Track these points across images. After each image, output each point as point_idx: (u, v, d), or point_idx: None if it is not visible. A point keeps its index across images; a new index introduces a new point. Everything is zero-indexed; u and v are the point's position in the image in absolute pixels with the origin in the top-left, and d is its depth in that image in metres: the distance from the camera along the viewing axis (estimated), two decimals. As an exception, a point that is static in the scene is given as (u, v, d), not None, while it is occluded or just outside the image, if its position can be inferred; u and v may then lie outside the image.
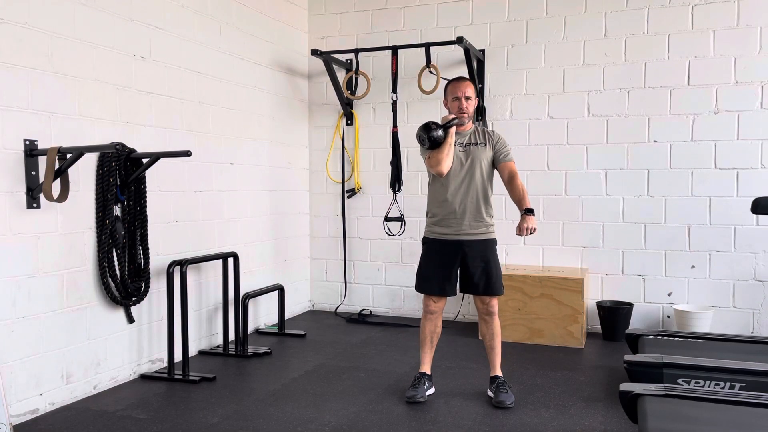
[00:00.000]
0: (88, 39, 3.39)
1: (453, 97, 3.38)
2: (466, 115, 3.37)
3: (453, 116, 3.33)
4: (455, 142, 3.35)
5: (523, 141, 4.94)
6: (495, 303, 3.40)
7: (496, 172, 3.47)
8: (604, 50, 4.73)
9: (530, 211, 3.24)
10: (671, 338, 3.64)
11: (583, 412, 3.19)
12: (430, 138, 3.26)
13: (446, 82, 3.54)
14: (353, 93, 5.33)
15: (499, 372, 3.42)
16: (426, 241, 3.47)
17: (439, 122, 3.32)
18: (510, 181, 3.37)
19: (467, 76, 3.43)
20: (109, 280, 3.46)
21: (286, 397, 3.40)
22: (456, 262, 3.38)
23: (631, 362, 3.11)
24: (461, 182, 3.36)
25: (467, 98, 3.36)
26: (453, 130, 3.32)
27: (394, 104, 4.83)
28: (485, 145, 3.41)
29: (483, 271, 3.34)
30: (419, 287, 3.45)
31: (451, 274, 3.39)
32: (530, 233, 3.22)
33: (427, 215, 3.51)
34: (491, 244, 3.40)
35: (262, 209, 4.98)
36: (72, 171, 3.23)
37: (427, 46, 4.69)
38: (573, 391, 3.51)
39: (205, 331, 4.34)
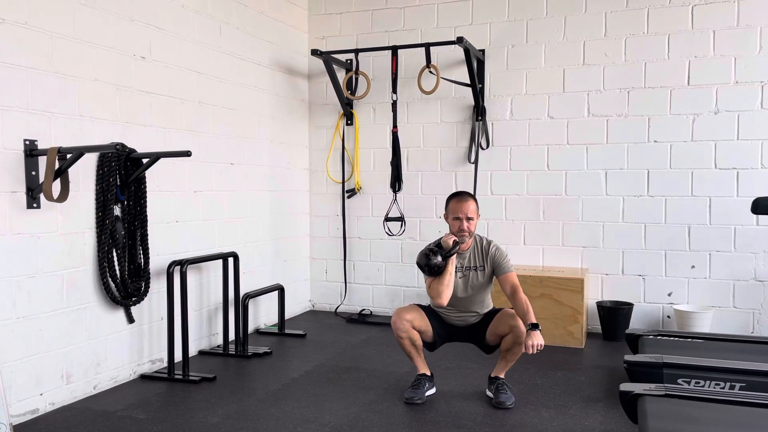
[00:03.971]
0: (88, 39, 3.39)
1: (454, 217, 3.32)
2: (466, 235, 3.32)
3: (454, 240, 3.26)
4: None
5: (523, 141, 4.94)
6: (523, 329, 3.20)
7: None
8: (604, 50, 4.73)
9: (535, 326, 3.13)
10: (671, 338, 3.64)
11: (583, 412, 3.19)
12: (431, 267, 3.21)
13: (449, 197, 3.44)
14: (353, 93, 5.32)
15: (502, 375, 3.41)
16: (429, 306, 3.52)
17: (440, 245, 3.26)
18: (513, 295, 3.29)
19: (470, 192, 3.30)
20: (109, 280, 3.46)
21: (286, 397, 3.40)
22: (451, 334, 3.47)
23: (631, 362, 3.11)
24: (460, 303, 3.40)
25: (469, 219, 3.30)
26: (454, 257, 3.26)
27: (394, 104, 4.83)
28: (484, 269, 3.38)
29: (483, 319, 3.43)
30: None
31: (442, 328, 3.45)
32: (537, 350, 3.10)
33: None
34: (488, 312, 3.47)
35: (262, 209, 4.98)
36: (72, 171, 3.23)
37: (427, 46, 4.68)
38: (573, 391, 3.51)
39: (205, 331, 4.34)
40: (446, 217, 3.41)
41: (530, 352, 3.08)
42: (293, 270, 5.42)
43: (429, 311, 3.47)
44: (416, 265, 3.32)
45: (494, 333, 3.35)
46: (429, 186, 5.22)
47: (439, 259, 3.20)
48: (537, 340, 3.08)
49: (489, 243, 3.42)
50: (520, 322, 3.21)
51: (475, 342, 3.49)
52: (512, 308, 3.31)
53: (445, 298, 3.24)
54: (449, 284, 3.24)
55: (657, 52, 4.60)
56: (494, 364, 3.47)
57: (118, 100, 3.58)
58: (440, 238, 3.36)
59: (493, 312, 3.43)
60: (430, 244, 3.35)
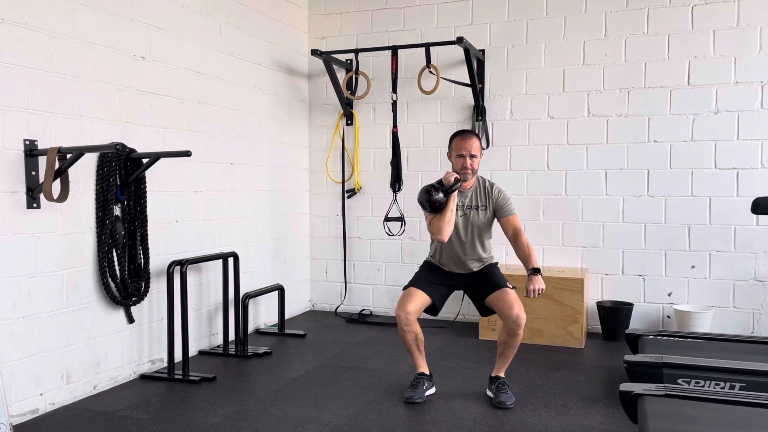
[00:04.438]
0: (88, 39, 3.39)
1: (458, 154, 3.31)
2: (469, 171, 3.31)
3: (455, 177, 3.26)
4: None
5: (523, 141, 4.94)
6: (523, 315, 3.21)
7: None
8: (604, 50, 4.73)
9: (537, 271, 3.16)
10: (671, 338, 3.64)
11: (583, 412, 3.19)
12: (431, 202, 3.20)
13: (452, 135, 3.44)
14: (353, 93, 5.32)
15: (502, 374, 3.41)
16: (427, 261, 3.51)
17: (442, 182, 3.26)
18: (514, 239, 3.30)
19: (473, 130, 3.31)
20: (109, 280, 3.46)
21: (286, 397, 3.40)
22: (450, 287, 3.46)
23: (631, 362, 3.11)
24: (460, 242, 3.39)
25: (472, 156, 3.29)
26: (455, 194, 3.26)
27: (394, 104, 4.83)
28: (486, 208, 3.38)
29: (484, 276, 3.40)
30: (407, 285, 3.42)
31: (441, 290, 3.42)
32: (538, 294, 3.14)
33: (430, 245, 3.56)
34: (491, 266, 3.46)
35: (262, 209, 4.98)
36: (72, 171, 3.23)
37: (427, 46, 4.68)
38: (573, 391, 3.51)
39: (205, 331, 4.34)
40: (449, 156, 3.39)
41: (531, 296, 3.14)
42: (293, 270, 5.42)
43: (426, 272, 3.43)
44: (417, 203, 3.30)
45: (493, 304, 3.34)
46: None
47: (441, 195, 3.20)
48: (538, 284, 3.13)
49: (492, 185, 3.43)
50: (514, 313, 3.18)
51: (473, 298, 3.46)
52: (514, 287, 3.31)
53: (446, 234, 3.23)
54: (450, 221, 3.24)
55: (657, 52, 4.60)
56: (494, 364, 3.46)
57: (118, 100, 3.58)
58: (442, 177, 3.36)
59: (497, 280, 3.36)
60: (429, 185, 3.31)
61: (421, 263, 3.61)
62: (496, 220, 3.44)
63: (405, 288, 3.43)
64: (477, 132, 4.99)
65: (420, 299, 3.35)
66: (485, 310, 3.45)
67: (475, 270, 3.44)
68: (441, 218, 3.23)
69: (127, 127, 3.64)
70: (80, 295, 3.36)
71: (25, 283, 3.07)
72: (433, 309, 3.45)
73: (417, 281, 3.44)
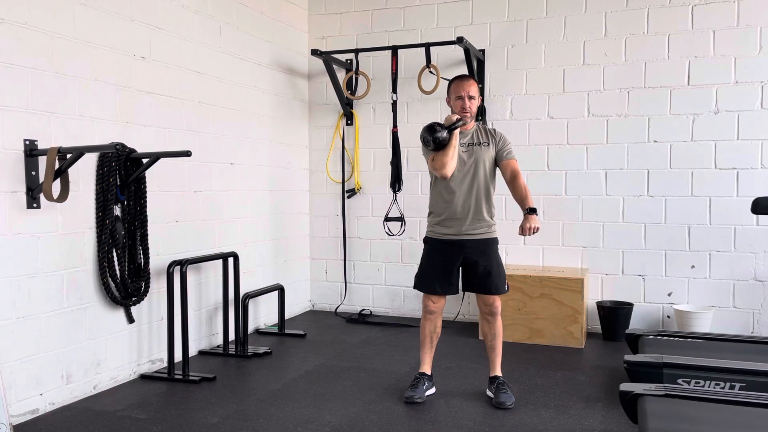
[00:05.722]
0: (88, 39, 3.39)
1: (456, 96, 3.34)
2: (469, 114, 3.34)
3: (457, 117, 3.29)
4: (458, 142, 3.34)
5: (523, 141, 4.94)
6: (498, 303, 3.39)
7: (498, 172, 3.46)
8: (604, 50, 4.73)
9: (533, 210, 3.22)
10: (671, 338, 3.64)
11: (583, 412, 3.19)
12: (435, 140, 3.23)
13: (449, 80, 3.49)
14: (353, 93, 5.33)
15: (499, 372, 3.42)
16: (427, 241, 3.47)
17: (443, 123, 3.29)
18: (512, 180, 3.35)
19: (470, 75, 3.39)
20: (109, 280, 3.46)
21: (286, 397, 3.40)
22: (457, 262, 3.38)
23: (631, 362, 3.11)
24: (463, 182, 3.35)
25: (471, 97, 3.32)
26: (457, 131, 3.28)
27: (394, 104, 4.83)
28: (488, 144, 3.39)
29: (484, 270, 3.34)
30: (418, 285, 3.44)
31: (452, 273, 3.39)
32: (533, 233, 3.19)
33: (429, 215, 3.50)
34: (492, 243, 3.40)
35: (262, 209, 4.98)
36: (72, 171, 3.23)
37: (427, 46, 4.68)
38: (573, 391, 3.51)
39: (205, 331, 4.34)
40: (448, 101, 3.42)
41: (526, 234, 3.20)
42: (293, 270, 5.42)
43: (430, 262, 3.40)
44: (420, 139, 3.31)
45: (479, 297, 3.42)
46: (429, 186, 5.20)
47: (444, 133, 3.23)
48: (533, 223, 3.19)
49: (494, 129, 3.49)
50: (499, 323, 3.39)
51: (465, 275, 3.42)
52: (507, 287, 3.37)
53: (449, 169, 3.25)
54: (453, 156, 3.25)
55: (657, 52, 4.60)
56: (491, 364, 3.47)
57: (118, 100, 3.58)
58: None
59: (498, 276, 3.37)
60: (432, 123, 3.32)
61: (424, 246, 3.51)
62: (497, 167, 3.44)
63: (417, 284, 3.44)
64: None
65: (440, 299, 3.42)
66: (470, 289, 3.45)
67: (475, 237, 3.36)
68: (444, 153, 3.26)
69: (127, 127, 3.64)
70: (80, 295, 3.36)
71: (25, 283, 3.07)
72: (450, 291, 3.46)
73: (427, 280, 3.41)
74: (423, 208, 5.22)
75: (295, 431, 2.95)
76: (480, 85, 4.94)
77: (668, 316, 4.67)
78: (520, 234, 3.24)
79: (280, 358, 4.15)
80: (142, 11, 3.74)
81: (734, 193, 4.47)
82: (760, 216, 4.35)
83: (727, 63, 4.46)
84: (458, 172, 3.33)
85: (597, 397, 3.40)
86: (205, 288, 4.32)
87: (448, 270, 3.38)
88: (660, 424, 2.26)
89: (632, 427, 2.85)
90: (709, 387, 2.91)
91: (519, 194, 3.30)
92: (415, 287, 3.47)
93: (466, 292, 3.54)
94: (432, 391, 3.44)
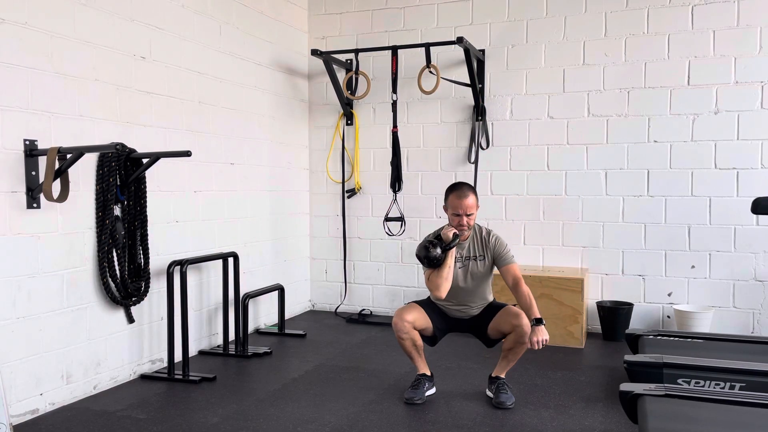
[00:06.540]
0: (88, 39, 3.39)
1: (454, 213, 3.28)
2: (466, 228, 3.29)
3: (454, 233, 3.24)
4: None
5: (523, 141, 4.94)
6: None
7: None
8: (604, 50, 4.73)
9: (540, 321, 3.13)
10: (671, 338, 3.64)
11: (583, 412, 3.19)
12: (429, 258, 3.19)
13: (448, 188, 3.38)
14: (353, 93, 5.32)
15: (503, 375, 3.41)
16: (430, 299, 3.50)
17: (439, 237, 3.25)
18: (515, 287, 3.27)
19: (469, 184, 3.32)
20: (109, 280, 3.46)
21: (286, 397, 3.40)
22: (452, 327, 3.47)
23: (631, 362, 3.11)
24: (458, 294, 3.38)
25: (469, 215, 3.27)
26: (453, 250, 3.24)
27: (394, 104, 4.83)
28: (483, 258, 3.36)
29: (486, 311, 3.42)
30: (411, 302, 3.49)
31: (443, 323, 3.45)
32: (542, 346, 3.11)
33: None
34: (490, 303, 3.48)
35: (262, 209, 4.98)
36: (72, 171, 3.23)
37: (427, 46, 4.68)
38: (573, 391, 3.51)
39: (205, 331, 4.34)
40: (446, 209, 3.38)
41: (535, 348, 3.09)
42: (293, 270, 5.42)
43: (429, 305, 3.46)
44: (415, 257, 3.30)
45: (497, 329, 3.35)
46: (429, 186, 5.22)
47: (439, 251, 3.19)
48: (542, 335, 3.09)
49: (489, 233, 3.41)
50: (524, 321, 3.19)
51: (476, 334, 3.48)
52: (515, 304, 3.30)
53: (444, 291, 3.22)
54: (448, 277, 3.22)
55: (657, 52, 4.60)
56: (495, 364, 3.47)
57: (118, 100, 3.58)
58: (440, 229, 3.35)
59: (497, 306, 3.41)
60: (429, 235, 3.34)
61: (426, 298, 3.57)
62: (495, 268, 3.42)
63: (407, 303, 3.48)
64: (477, 134, 5.01)
65: (419, 315, 3.37)
66: (490, 341, 3.44)
67: (475, 314, 3.44)
68: (439, 274, 3.21)
69: (127, 127, 3.64)
70: (80, 295, 3.36)
71: (25, 283, 3.07)
72: (432, 339, 3.47)
73: (420, 303, 3.47)
74: (423, 208, 5.26)
75: (295, 431, 2.95)
76: (480, 85, 4.95)
77: (668, 316, 4.67)
78: (528, 347, 3.18)
79: (280, 358, 4.15)
80: (142, 11, 3.74)
81: (734, 193, 4.47)
82: (760, 216, 4.34)
83: (727, 63, 4.46)
84: (454, 289, 3.32)
85: (597, 397, 3.40)
86: (205, 288, 4.31)
87: (441, 317, 3.43)
88: (660, 424, 2.26)
89: (632, 427, 2.85)
90: (709, 387, 2.91)
91: (524, 303, 3.21)
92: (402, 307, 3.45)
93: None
94: (432, 391, 3.45)
